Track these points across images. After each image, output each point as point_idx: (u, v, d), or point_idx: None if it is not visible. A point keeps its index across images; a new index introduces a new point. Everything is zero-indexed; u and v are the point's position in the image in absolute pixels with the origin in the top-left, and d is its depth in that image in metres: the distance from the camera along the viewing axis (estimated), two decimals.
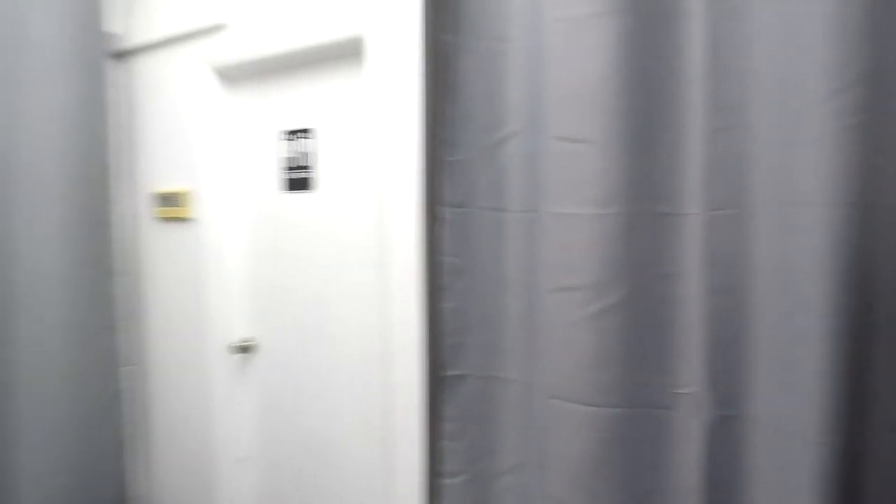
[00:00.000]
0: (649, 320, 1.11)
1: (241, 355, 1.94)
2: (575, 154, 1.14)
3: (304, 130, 1.75)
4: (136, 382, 2.12)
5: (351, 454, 1.72)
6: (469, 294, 1.38)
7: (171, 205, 1.95)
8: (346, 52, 1.56)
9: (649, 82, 1.10)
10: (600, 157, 1.12)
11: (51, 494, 1.85)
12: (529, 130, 1.26)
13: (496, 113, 1.32)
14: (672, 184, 1.10)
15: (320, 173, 1.73)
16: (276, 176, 1.83)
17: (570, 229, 1.14)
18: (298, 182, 1.77)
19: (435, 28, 1.37)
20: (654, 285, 1.11)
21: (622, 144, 1.10)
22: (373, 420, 1.59)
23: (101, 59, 1.94)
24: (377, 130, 1.46)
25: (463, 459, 1.41)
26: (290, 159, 1.79)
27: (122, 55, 2.02)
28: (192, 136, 1.89)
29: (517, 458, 1.35)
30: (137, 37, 1.97)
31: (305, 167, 1.75)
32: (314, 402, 1.80)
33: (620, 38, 1.09)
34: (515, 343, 1.33)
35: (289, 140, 1.79)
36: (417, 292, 1.41)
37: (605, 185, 1.12)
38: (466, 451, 1.41)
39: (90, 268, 1.93)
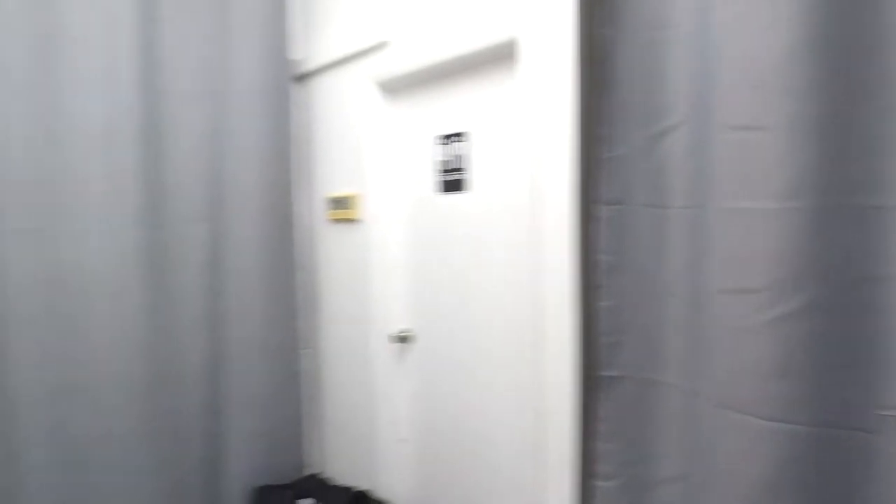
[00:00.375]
0: (848, 328, 0.97)
1: (399, 345, 2.10)
2: (751, 143, 1.04)
3: (458, 134, 1.84)
4: (311, 364, 2.42)
5: (502, 445, 1.77)
6: (626, 293, 1.34)
7: (342, 207, 2.19)
8: (500, 56, 1.61)
9: (847, 53, 0.96)
10: (783, 145, 1.01)
11: (248, 455, 2.20)
12: (694, 121, 1.18)
13: (656, 105, 1.26)
14: (878, 171, 0.95)
15: (473, 175, 1.80)
16: (431, 178, 1.95)
17: (745, 225, 1.05)
18: (453, 183, 1.87)
19: (591, 23, 1.35)
20: (855, 288, 0.97)
21: (811, 129, 0.98)
22: (524, 413, 1.62)
23: (287, 83, 2.25)
24: (531, 130, 1.48)
25: (618, 462, 1.37)
26: (444, 162, 1.90)
27: (301, 77, 2.32)
28: (359, 145, 2.09)
29: (678, 468, 1.27)
30: (314, 60, 2.25)
31: (459, 169, 1.84)
32: (467, 392, 1.89)
33: (811, 5, 0.97)
34: (677, 346, 1.26)
35: (443, 144, 1.89)
36: (571, 290, 1.40)
37: (789, 176, 1.01)
38: (622, 455, 1.37)
39: (278, 263, 2.25)
